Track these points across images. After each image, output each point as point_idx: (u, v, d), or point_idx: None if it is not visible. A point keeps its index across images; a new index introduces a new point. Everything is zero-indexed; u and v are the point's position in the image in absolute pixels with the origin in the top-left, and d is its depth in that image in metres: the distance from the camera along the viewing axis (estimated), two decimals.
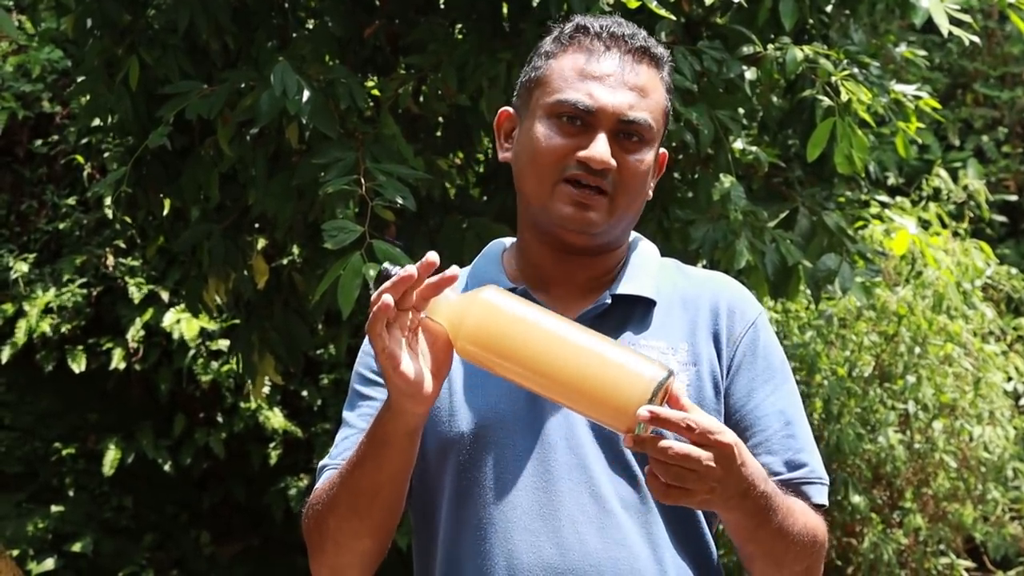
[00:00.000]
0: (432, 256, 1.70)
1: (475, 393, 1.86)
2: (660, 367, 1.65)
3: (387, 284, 1.67)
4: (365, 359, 1.98)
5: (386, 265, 1.73)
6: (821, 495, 1.93)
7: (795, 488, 1.91)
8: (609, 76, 1.87)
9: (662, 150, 1.97)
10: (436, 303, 1.71)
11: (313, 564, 1.92)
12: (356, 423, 1.94)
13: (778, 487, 1.84)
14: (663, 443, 1.61)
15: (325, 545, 1.88)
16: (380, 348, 1.67)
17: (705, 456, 1.62)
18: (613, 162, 1.85)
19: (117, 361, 6.26)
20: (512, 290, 1.91)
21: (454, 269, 1.70)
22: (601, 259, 1.95)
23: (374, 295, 1.68)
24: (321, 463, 1.96)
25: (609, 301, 1.91)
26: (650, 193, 1.96)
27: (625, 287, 1.93)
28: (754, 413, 1.91)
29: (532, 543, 1.82)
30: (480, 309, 1.70)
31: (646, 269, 1.97)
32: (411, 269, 1.68)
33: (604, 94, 1.86)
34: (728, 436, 1.64)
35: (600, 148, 1.84)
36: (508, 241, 2.05)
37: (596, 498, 1.82)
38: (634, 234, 2.04)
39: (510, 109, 1.98)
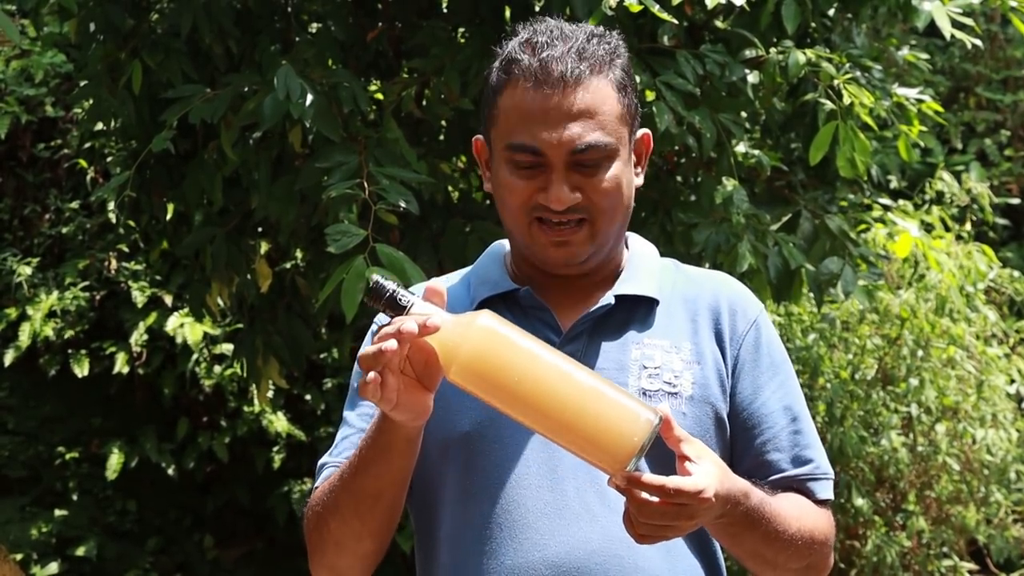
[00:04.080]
0: (437, 285, 1.71)
1: None
2: (652, 412, 1.63)
3: (390, 331, 1.63)
4: None
5: (376, 278, 1.68)
6: (826, 490, 1.95)
7: (800, 484, 1.92)
8: (549, 111, 1.81)
9: (641, 132, 1.94)
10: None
11: (313, 564, 1.92)
12: (356, 423, 1.94)
13: (773, 491, 1.86)
14: (643, 497, 1.62)
15: (326, 546, 1.87)
16: (372, 394, 1.65)
17: (684, 513, 1.63)
18: (574, 198, 1.83)
19: (120, 365, 6.27)
20: (515, 291, 1.92)
21: (437, 316, 1.65)
22: (597, 269, 1.95)
23: (376, 336, 1.65)
24: (321, 461, 1.96)
25: (613, 301, 1.91)
26: (639, 180, 1.94)
27: (627, 287, 1.94)
28: (760, 411, 1.93)
29: (537, 542, 1.83)
30: (476, 338, 1.65)
31: (647, 269, 1.98)
32: (413, 315, 1.64)
33: (548, 133, 1.81)
34: (708, 491, 1.63)
35: (556, 192, 1.82)
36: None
37: (602, 497, 1.82)
38: (632, 235, 2.04)
39: (481, 138, 1.96)
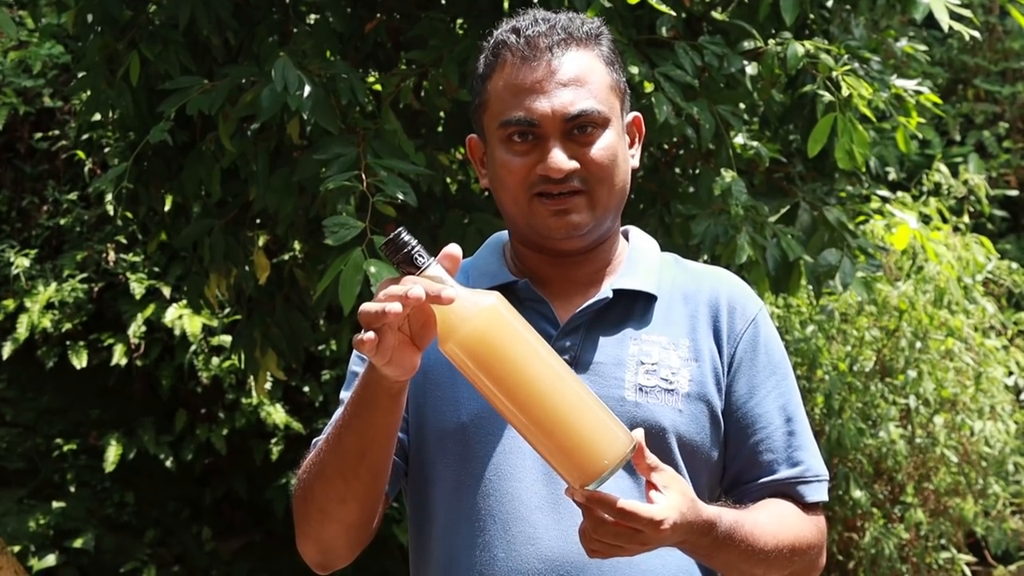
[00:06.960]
0: (454, 250, 1.68)
1: None
2: (630, 438, 1.64)
3: (396, 292, 1.61)
4: None
5: (400, 230, 1.65)
6: (817, 493, 1.94)
7: (789, 488, 1.92)
8: (540, 82, 1.85)
9: (633, 114, 1.96)
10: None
11: (300, 539, 1.91)
12: None
13: (758, 498, 1.87)
14: (600, 515, 1.63)
15: (311, 515, 1.86)
16: (368, 350, 1.63)
17: (637, 538, 1.64)
18: (572, 165, 1.84)
19: (118, 357, 6.26)
20: (514, 283, 1.92)
21: (450, 290, 1.64)
22: (595, 254, 1.95)
23: (383, 291, 1.63)
24: (315, 440, 1.95)
25: (611, 295, 1.91)
26: (635, 162, 1.95)
27: (626, 281, 1.94)
28: (755, 411, 1.92)
29: (531, 535, 1.83)
30: (481, 319, 1.63)
31: (646, 264, 1.97)
32: (425, 278, 1.63)
33: (541, 102, 1.84)
34: (666, 522, 1.64)
35: (554, 158, 1.83)
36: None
37: None
38: (633, 229, 2.05)
39: (475, 136, 1.98)
